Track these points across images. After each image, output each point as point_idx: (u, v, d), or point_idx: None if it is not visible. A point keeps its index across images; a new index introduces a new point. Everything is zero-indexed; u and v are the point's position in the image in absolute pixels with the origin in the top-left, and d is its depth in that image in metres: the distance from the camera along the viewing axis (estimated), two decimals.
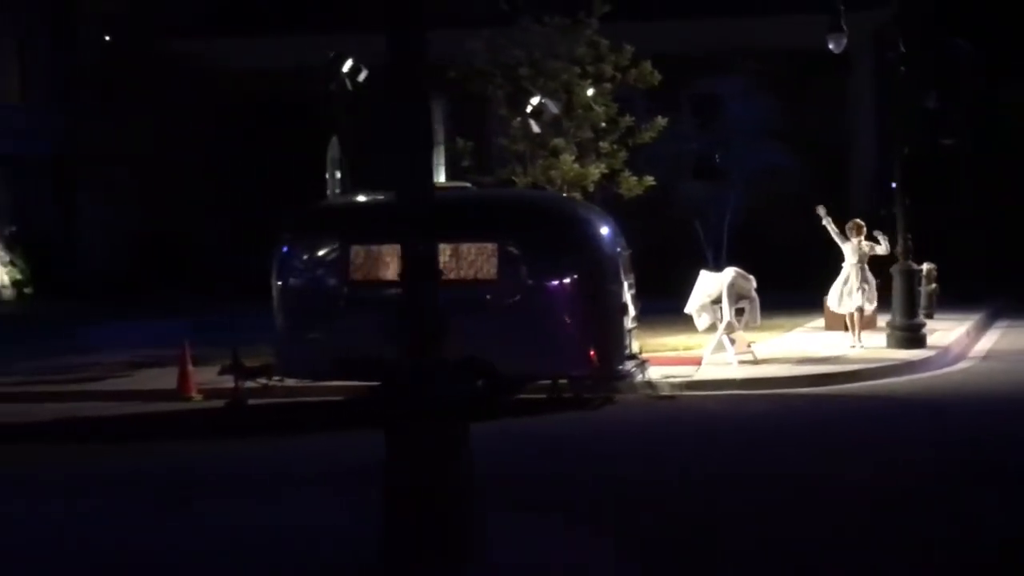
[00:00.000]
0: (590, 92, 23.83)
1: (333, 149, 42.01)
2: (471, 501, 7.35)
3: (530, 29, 23.57)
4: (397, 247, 16.08)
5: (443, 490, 6.89)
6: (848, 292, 20.82)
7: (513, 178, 23.03)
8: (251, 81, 38.58)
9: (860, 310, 20.81)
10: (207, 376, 18.41)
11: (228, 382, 17.62)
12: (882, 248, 20.80)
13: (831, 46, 21.36)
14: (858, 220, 21.43)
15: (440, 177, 40.35)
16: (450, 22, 34.55)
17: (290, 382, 17.44)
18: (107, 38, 40.48)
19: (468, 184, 18.79)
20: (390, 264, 16.42)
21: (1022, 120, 34.34)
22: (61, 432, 16.31)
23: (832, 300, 21.15)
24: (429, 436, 6.85)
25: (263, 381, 17.32)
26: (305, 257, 16.92)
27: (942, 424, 14.65)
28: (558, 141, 23.10)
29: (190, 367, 18.47)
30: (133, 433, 16.08)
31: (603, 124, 23.81)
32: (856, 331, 20.76)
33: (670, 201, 30.25)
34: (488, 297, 16.18)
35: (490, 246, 16.29)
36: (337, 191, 40.66)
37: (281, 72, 37.91)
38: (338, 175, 41.70)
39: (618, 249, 16.84)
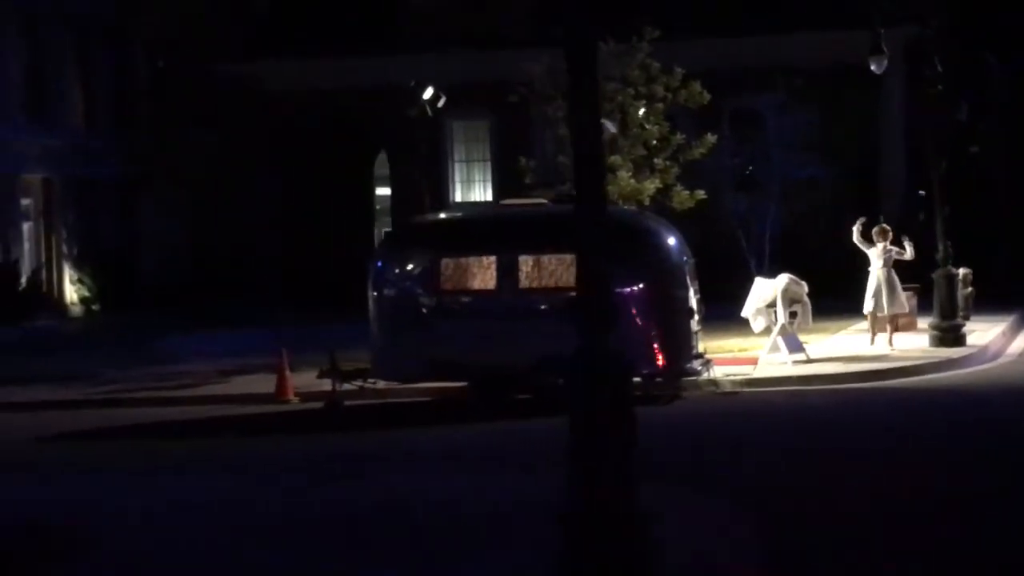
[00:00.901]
0: (641, 112, 25.40)
1: (379, 166, 43.66)
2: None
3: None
4: (483, 259, 17.88)
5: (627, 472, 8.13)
6: (882, 296, 21.95)
7: (573, 193, 24.51)
8: (299, 101, 40.15)
9: (880, 316, 21.97)
10: (298, 381, 20.03)
11: (324, 385, 19.20)
12: (908, 254, 22.04)
13: (873, 67, 22.90)
14: (884, 225, 22.63)
15: (488, 193, 42.14)
16: (500, 44, 36.44)
17: (382, 384, 19.02)
18: (160, 64, 42.25)
19: (544, 200, 20.39)
20: (477, 275, 17.99)
21: None
22: (189, 430, 17.91)
23: (869, 305, 22.20)
24: (610, 416, 8.18)
25: (359, 383, 18.88)
26: (397, 270, 18.48)
27: (993, 409, 16.21)
28: (615, 159, 24.62)
29: (287, 372, 20.05)
30: (255, 429, 17.71)
31: (655, 142, 25.39)
32: (889, 333, 21.97)
33: (714, 212, 31.72)
34: (568, 303, 17.70)
35: (568, 257, 17.81)
36: (377, 207, 42.35)
37: (327, 92, 39.57)
38: (387, 191, 43.30)
39: (684, 258, 18.39)
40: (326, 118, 39.82)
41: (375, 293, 18.46)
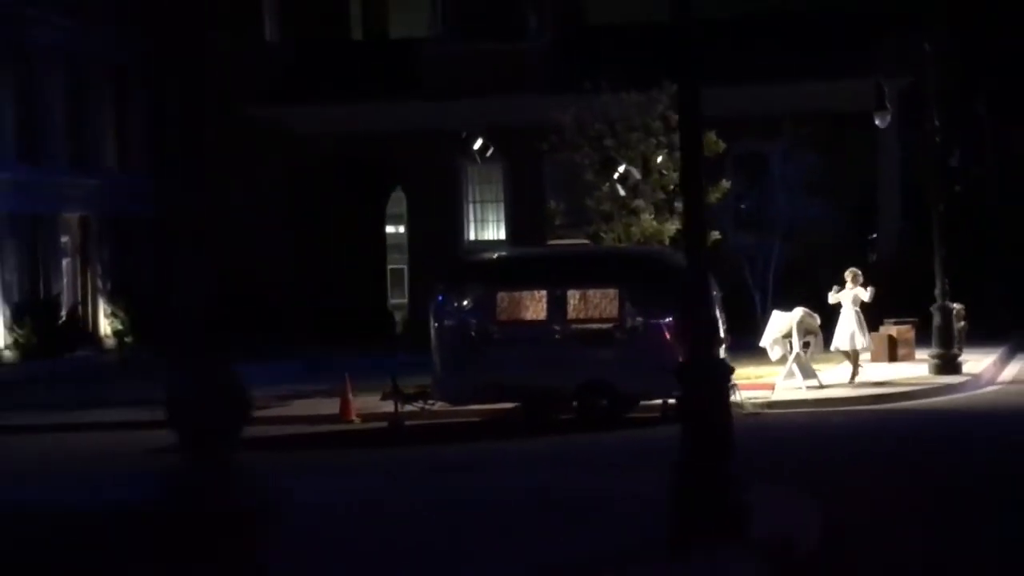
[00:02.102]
0: (660, 159, 27.65)
1: (393, 205, 45.95)
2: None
3: (610, 104, 27.41)
4: (535, 292, 20.04)
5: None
6: (852, 333, 23.27)
7: (601, 234, 26.76)
8: (320, 144, 42.32)
9: (860, 350, 23.72)
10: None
11: (385, 407, 21.29)
12: (867, 296, 23.68)
13: (877, 122, 25.24)
14: (855, 269, 24.19)
15: (502, 232, 44.42)
16: (513, 91, 38.69)
17: (438, 406, 21.13)
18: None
19: (587, 241, 22.59)
20: (529, 307, 20.15)
21: None
22: (283, 445, 19.92)
23: (847, 343, 23.75)
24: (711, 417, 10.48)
25: (420, 404, 20.99)
26: (456, 304, 20.63)
27: (992, 427, 18.45)
28: (639, 202, 26.87)
29: (350, 395, 22.13)
30: (334, 444, 19.84)
31: (672, 187, 27.59)
32: (854, 367, 23.38)
33: (723, 251, 33.92)
34: (610, 332, 19.90)
35: (611, 291, 20.03)
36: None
37: (348, 136, 41.80)
38: (400, 229, 45.57)
39: (715, 292, 20.53)
40: (345, 160, 42.03)
41: (436, 324, 20.57)
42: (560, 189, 31.63)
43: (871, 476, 14.45)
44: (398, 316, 44.24)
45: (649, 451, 17.38)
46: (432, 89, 41.27)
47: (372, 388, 21.98)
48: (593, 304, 20.07)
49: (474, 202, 44.39)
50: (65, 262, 40.69)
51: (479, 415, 21.48)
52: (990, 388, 23.76)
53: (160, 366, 33.64)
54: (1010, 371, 26.83)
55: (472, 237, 44.00)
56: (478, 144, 26.87)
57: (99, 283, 41.75)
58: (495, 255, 21.50)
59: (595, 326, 19.83)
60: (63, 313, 39.27)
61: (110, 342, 41.34)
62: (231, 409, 7.46)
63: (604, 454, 17.47)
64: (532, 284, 20.24)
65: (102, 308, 41.60)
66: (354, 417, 22.10)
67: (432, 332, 20.60)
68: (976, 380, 24.09)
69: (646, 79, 27.80)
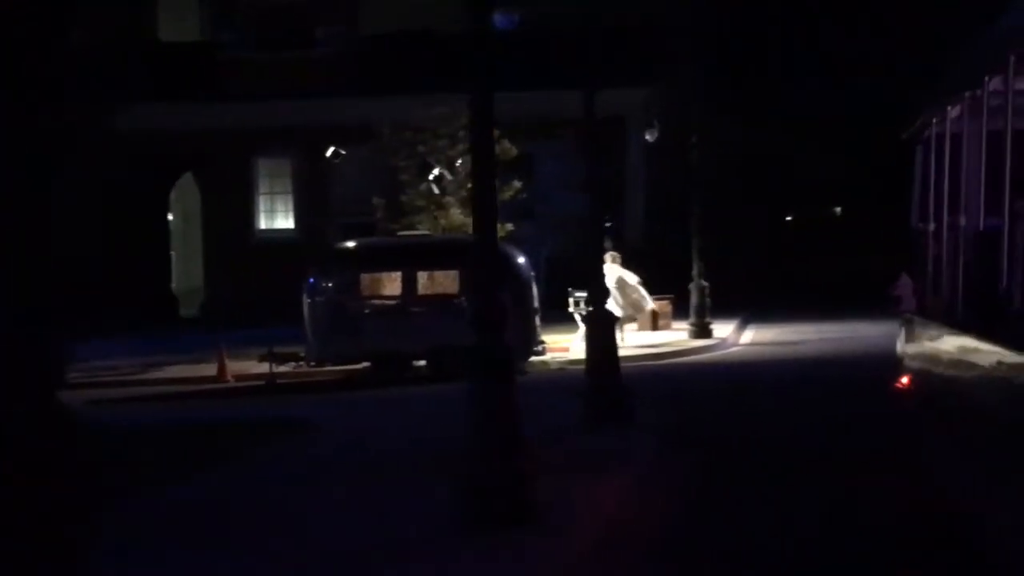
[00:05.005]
0: (459, 163, 32.95)
1: (176, 193, 50.18)
2: None
3: (420, 116, 32.59)
4: (391, 273, 25.07)
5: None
6: (620, 304, 29.44)
7: (418, 225, 31.87)
8: (122, 139, 46.15)
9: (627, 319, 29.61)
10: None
11: (257, 369, 25.99)
12: (632, 279, 29.59)
13: (647, 137, 31.17)
14: (614, 252, 29.71)
15: (291, 222, 49.11)
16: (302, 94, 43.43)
17: (307, 368, 25.97)
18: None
19: (429, 232, 27.72)
20: (387, 286, 25.18)
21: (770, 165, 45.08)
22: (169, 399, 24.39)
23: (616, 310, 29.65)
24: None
25: (293, 365, 25.77)
26: (325, 284, 25.46)
27: (749, 371, 24.48)
28: (448, 199, 32.12)
29: (225, 359, 26.70)
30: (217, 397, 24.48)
31: (469, 186, 32.90)
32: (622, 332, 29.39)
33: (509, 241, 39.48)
34: (452, 305, 25.09)
35: (453, 272, 25.22)
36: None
37: (143, 131, 45.79)
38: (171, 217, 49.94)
39: (531, 272, 25.98)
40: (142, 156, 46.01)
41: (309, 300, 25.36)
42: (375, 187, 36.30)
43: (670, 403, 19.99)
44: (196, 300, 48.28)
45: None
46: (227, 91, 45.83)
47: (212, 358, 26.76)
48: (438, 283, 25.25)
49: (264, 194, 49.00)
50: None
51: (340, 374, 26.40)
52: (735, 348, 30.01)
53: None
54: (746, 336, 33.20)
55: (262, 226, 48.61)
56: (330, 152, 31.65)
57: None
58: (358, 243, 26.36)
59: (439, 301, 24.99)
60: None
61: None
62: None
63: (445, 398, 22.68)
64: (389, 267, 25.30)
65: None
66: (230, 378, 26.69)
67: (305, 307, 25.37)
68: (724, 342, 30.27)
69: (428, 85, 33.08)
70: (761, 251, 48.43)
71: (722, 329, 32.25)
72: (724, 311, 36.24)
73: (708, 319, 31.03)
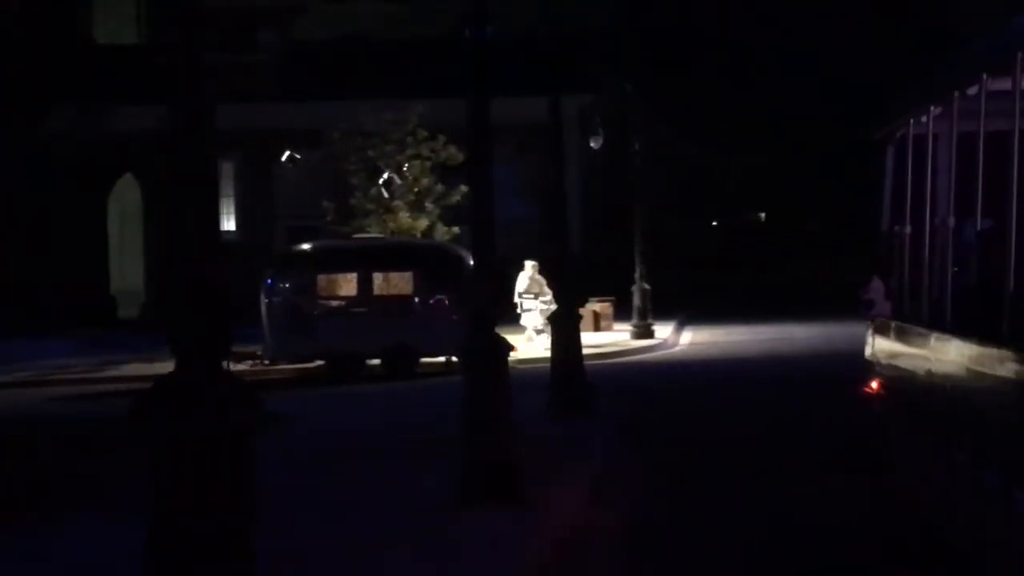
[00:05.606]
0: (406, 167, 33.70)
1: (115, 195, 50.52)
2: None
3: (369, 122, 33.29)
4: (347, 275, 25.77)
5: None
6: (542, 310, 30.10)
7: (367, 228, 32.54)
8: (64, 143, 46.43)
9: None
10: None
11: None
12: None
13: (592, 144, 32.06)
14: (534, 262, 29.87)
15: (232, 224, 49.60)
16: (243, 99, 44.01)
17: (262, 366, 26.58)
18: None
19: (383, 235, 28.46)
20: (343, 287, 25.89)
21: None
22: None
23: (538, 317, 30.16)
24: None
25: (251, 363, 26.40)
26: (282, 285, 26.11)
27: (690, 368, 25.43)
28: (397, 202, 32.84)
29: None
30: None
31: (417, 191, 33.68)
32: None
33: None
34: (406, 305, 25.85)
35: (407, 274, 25.99)
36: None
37: (86, 134, 46.14)
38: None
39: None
40: (84, 157, 46.32)
41: (267, 300, 26.01)
42: (321, 190, 36.80)
43: (623, 396, 20.89)
44: (137, 302, 48.57)
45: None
46: (167, 94, 46.12)
47: (164, 357, 27.09)
48: (393, 284, 26.00)
49: None
50: None
51: (294, 372, 27.05)
52: (676, 348, 31.02)
53: None
54: (685, 337, 34.20)
55: None
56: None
57: None
58: (314, 246, 27.05)
59: (394, 301, 25.73)
60: None
61: None
62: None
63: (406, 396, 23.45)
64: (345, 268, 26.01)
65: None
66: None
67: (263, 307, 26.01)
68: (665, 343, 31.25)
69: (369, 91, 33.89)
70: (695, 256, 49.61)
71: (662, 330, 33.21)
72: (660, 314, 37.26)
73: (650, 320, 31.98)
